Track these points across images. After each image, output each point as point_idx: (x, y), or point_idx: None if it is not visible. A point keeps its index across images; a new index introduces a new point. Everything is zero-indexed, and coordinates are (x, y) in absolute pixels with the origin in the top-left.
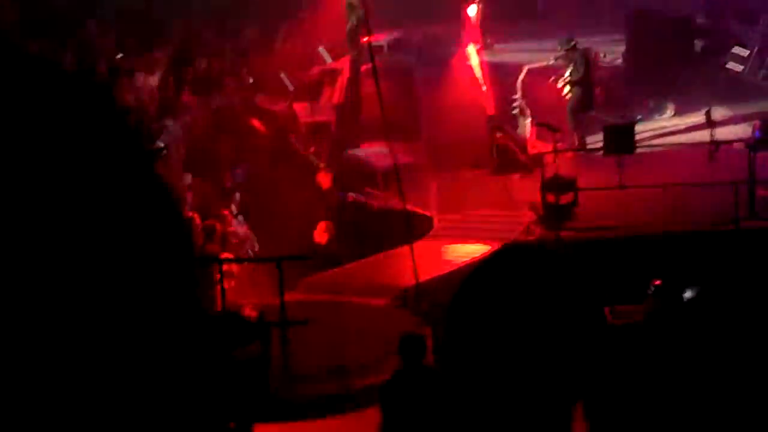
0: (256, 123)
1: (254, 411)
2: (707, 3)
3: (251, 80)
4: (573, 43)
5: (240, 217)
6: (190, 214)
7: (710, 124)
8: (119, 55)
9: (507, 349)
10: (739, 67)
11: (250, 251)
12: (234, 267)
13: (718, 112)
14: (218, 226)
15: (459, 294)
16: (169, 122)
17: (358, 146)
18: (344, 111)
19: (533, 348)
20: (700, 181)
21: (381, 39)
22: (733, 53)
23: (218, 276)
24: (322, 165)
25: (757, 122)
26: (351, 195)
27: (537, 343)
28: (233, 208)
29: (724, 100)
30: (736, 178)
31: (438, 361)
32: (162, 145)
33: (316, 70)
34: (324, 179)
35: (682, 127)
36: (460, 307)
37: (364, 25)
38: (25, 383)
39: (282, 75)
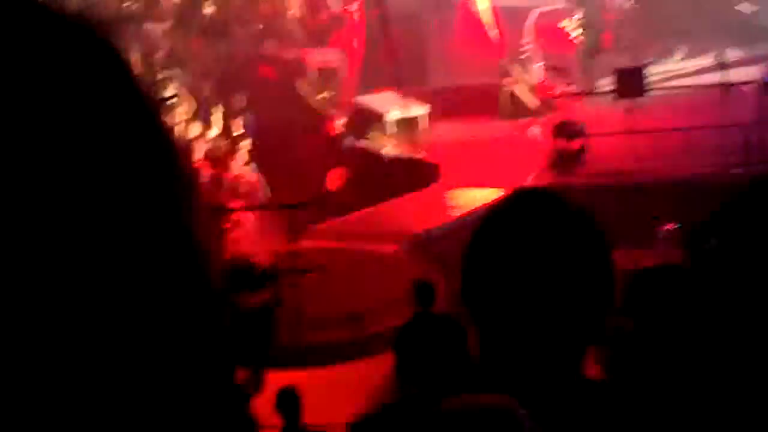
0: (265, 70)
1: (266, 358)
2: None
3: (260, 26)
4: None
5: (252, 165)
6: (198, 164)
7: (721, 66)
8: (126, 3)
9: (522, 295)
10: (750, 8)
11: (261, 198)
12: (243, 215)
13: (731, 54)
14: (227, 175)
15: (474, 240)
16: (177, 71)
17: (368, 92)
18: (354, 56)
19: (547, 292)
20: (711, 123)
21: None
22: None
23: (227, 225)
24: (333, 111)
25: (766, 65)
26: (358, 143)
27: (550, 288)
28: (244, 155)
29: (736, 41)
30: (748, 120)
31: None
32: (168, 95)
33: (325, 14)
34: (335, 126)
35: (693, 69)
36: (476, 254)
37: None
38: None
39: (291, 20)
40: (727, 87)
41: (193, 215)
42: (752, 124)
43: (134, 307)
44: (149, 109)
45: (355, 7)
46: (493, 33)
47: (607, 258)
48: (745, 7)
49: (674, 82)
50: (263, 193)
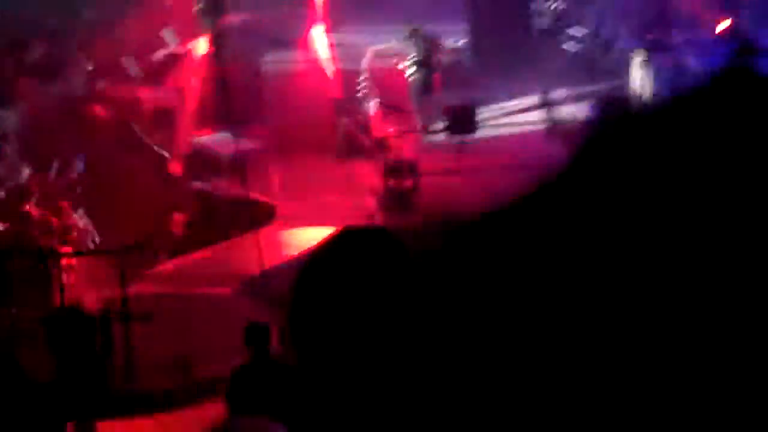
0: (98, 110)
1: (95, 408)
2: None
3: (91, 66)
4: (417, 26)
5: (80, 210)
6: (27, 207)
7: (547, 103)
8: None
9: (349, 336)
10: (575, 47)
11: (90, 244)
12: (74, 261)
13: (557, 93)
14: (55, 220)
15: (300, 279)
16: (3, 111)
17: (203, 132)
18: (189, 96)
19: (369, 331)
20: (539, 160)
21: (227, 22)
22: (570, 33)
23: (56, 271)
24: (167, 154)
25: (594, 101)
26: (196, 184)
27: (373, 327)
28: (76, 198)
29: (562, 80)
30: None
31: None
32: None
33: (160, 53)
34: (175, 167)
35: (523, 107)
36: (302, 293)
37: (213, 8)
38: None
39: (125, 59)
40: (554, 125)
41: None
42: None
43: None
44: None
45: (192, 45)
46: (330, 70)
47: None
48: (570, 46)
49: (503, 120)
50: (92, 237)
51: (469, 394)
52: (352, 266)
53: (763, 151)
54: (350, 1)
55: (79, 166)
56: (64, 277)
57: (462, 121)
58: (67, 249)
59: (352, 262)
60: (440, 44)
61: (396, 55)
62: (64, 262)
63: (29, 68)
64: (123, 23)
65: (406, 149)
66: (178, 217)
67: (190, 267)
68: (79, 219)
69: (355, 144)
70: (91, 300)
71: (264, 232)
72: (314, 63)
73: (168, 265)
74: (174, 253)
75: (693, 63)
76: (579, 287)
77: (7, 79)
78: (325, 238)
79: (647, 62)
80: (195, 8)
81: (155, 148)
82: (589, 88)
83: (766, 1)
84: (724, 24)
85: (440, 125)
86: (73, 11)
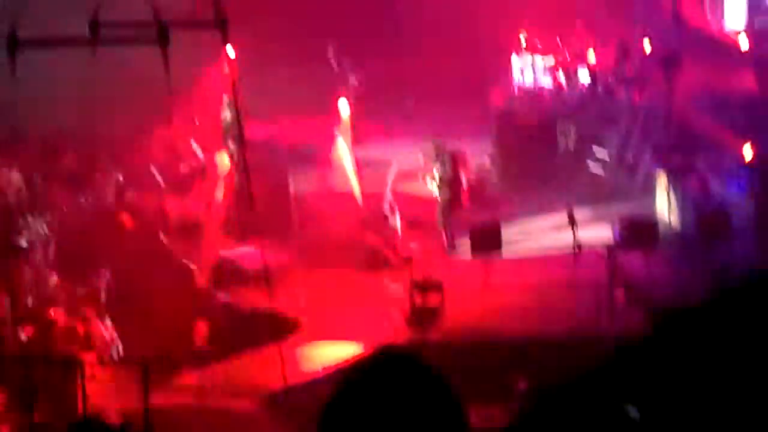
0: (125, 220)
1: None
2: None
3: (120, 177)
4: (442, 143)
5: (107, 319)
6: (53, 315)
7: (573, 225)
8: None
9: None
10: (599, 169)
11: (114, 354)
12: (98, 370)
13: (580, 213)
14: (81, 327)
15: (333, 401)
16: (33, 219)
17: (231, 245)
18: (215, 208)
19: None
20: (564, 283)
21: (255, 134)
22: (594, 154)
23: (79, 379)
24: (192, 265)
25: (616, 224)
26: (221, 295)
27: None
28: (100, 308)
29: (585, 200)
30: (597, 278)
31: None
32: (24, 243)
33: (188, 165)
34: (201, 279)
35: (546, 227)
36: (334, 414)
37: (238, 120)
38: None
39: (153, 170)
40: (578, 246)
41: None
42: (602, 285)
43: None
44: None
45: (218, 157)
46: (355, 185)
47: (462, 424)
48: (595, 167)
49: (529, 240)
50: (117, 347)
51: None
52: (383, 392)
53: None
54: (376, 116)
55: (105, 274)
56: (87, 386)
57: (488, 240)
58: (91, 357)
59: (383, 388)
60: (466, 161)
61: (422, 171)
62: (87, 370)
63: (60, 176)
64: (151, 134)
65: (432, 266)
66: (202, 329)
67: (212, 379)
68: (104, 328)
69: (380, 259)
70: (113, 410)
71: (288, 345)
72: (340, 177)
73: (191, 377)
74: (197, 365)
75: (717, 188)
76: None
77: (38, 186)
78: (357, 358)
79: (672, 186)
80: (222, 121)
81: (181, 259)
82: (613, 210)
83: None
84: (749, 150)
85: (466, 243)
86: (106, 123)
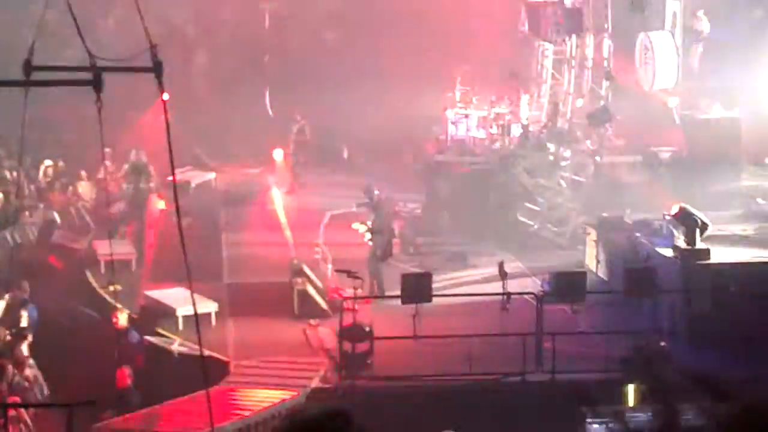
0: (53, 260)
1: None
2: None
3: (51, 216)
4: (375, 192)
5: (31, 360)
6: None
7: (502, 275)
8: None
9: None
10: (530, 222)
11: (38, 395)
12: (22, 412)
13: (510, 265)
14: (9, 369)
15: None
16: None
17: (157, 286)
18: (147, 249)
19: None
20: (492, 331)
21: (189, 178)
22: (526, 207)
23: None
24: (118, 305)
25: (545, 276)
26: (147, 338)
27: None
28: (25, 349)
29: (516, 251)
30: (526, 329)
31: None
32: None
33: (118, 206)
34: (120, 320)
35: (477, 277)
36: None
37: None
38: None
39: (83, 211)
40: (507, 296)
41: None
42: (528, 334)
43: None
44: None
45: (149, 199)
46: (287, 232)
47: None
48: (527, 220)
49: (458, 290)
50: (39, 388)
51: None
52: None
53: None
54: (311, 164)
55: (32, 314)
56: (11, 429)
57: (418, 288)
58: (15, 399)
59: None
60: (398, 211)
61: (354, 219)
62: (10, 412)
63: None
64: (84, 175)
65: (361, 313)
66: (126, 371)
67: (140, 422)
68: (30, 369)
69: (310, 306)
70: None
71: (216, 390)
72: (271, 223)
73: (116, 422)
74: (122, 409)
75: (645, 243)
76: None
77: None
78: (282, 400)
79: (600, 239)
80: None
81: (108, 299)
82: (543, 262)
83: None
84: (675, 208)
85: (397, 291)
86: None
